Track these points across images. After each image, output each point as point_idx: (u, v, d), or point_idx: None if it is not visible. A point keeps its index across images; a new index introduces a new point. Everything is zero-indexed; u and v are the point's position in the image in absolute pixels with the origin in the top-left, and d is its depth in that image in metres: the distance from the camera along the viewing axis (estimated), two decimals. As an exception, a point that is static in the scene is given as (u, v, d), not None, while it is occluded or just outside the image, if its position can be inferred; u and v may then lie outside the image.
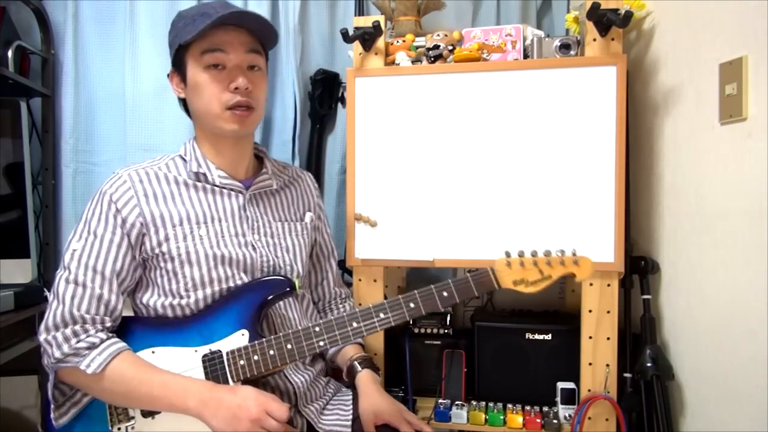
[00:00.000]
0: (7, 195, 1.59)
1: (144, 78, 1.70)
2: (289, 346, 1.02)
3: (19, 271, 1.58)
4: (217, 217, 1.10)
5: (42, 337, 0.98)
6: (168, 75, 1.16)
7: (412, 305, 1.03)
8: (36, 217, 1.69)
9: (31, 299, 1.53)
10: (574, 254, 1.03)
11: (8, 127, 1.57)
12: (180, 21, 1.10)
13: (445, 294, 1.03)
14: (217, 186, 1.11)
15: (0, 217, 1.59)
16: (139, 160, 1.13)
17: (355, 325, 1.03)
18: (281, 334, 1.03)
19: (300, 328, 1.04)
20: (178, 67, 1.11)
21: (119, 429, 0.99)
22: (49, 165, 1.72)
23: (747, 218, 1.06)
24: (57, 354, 0.96)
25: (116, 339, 1.01)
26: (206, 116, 1.09)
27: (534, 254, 1.03)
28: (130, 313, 1.11)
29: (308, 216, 1.25)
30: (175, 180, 1.10)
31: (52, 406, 1.00)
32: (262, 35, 1.11)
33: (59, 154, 1.73)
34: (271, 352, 1.02)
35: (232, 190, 1.12)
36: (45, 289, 1.62)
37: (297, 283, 1.10)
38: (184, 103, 1.17)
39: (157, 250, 1.05)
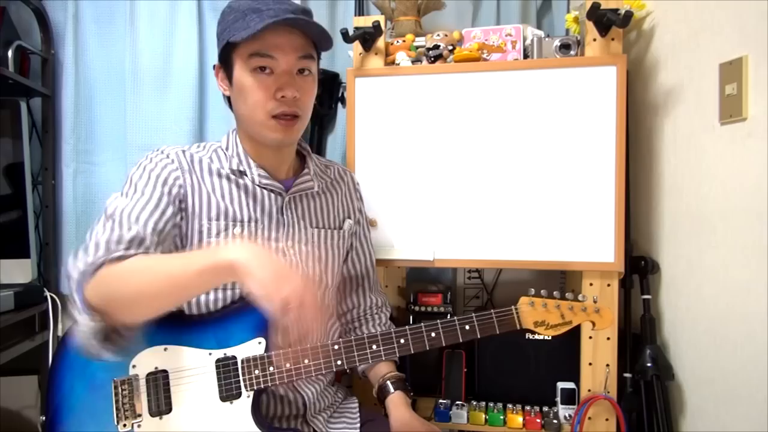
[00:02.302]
0: (7, 195, 1.59)
1: (144, 78, 1.70)
2: (306, 361, 1.01)
3: (19, 271, 1.58)
4: (254, 218, 1.06)
5: (71, 261, 0.90)
6: (213, 67, 1.10)
7: (433, 335, 1.02)
8: (36, 217, 1.70)
9: (31, 299, 1.54)
10: (595, 302, 1.04)
11: (8, 127, 1.58)
12: (230, 13, 1.02)
13: (467, 327, 1.02)
14: (257, 185, 1.08)
15: (0, 217, 1.59)
16: (149, 150, 1.09)
17: (374, 348, 1.02)
18: (299, 347, 1.01)
19: (319, 344, 1.02)
20: (225, 63, 1.05)
21: (125, 426, 0.98)
22: (49, 165, 1.72)
23: (747, 218, 1.06)
24: (89, 259, 0.88)
25: None
26: (249, 122, 1.04)
27: (558, 297, 1.04)
28: None
29: (347, 223, 1.21)
30: (218, 172, 1.07)
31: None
32: (316, 38, 1.04)
33: (59, 154, 1.74)
34: (287, 365, 1.00)
35: (271, 191, 1.09)
36: (45, 289, 1.63)
37: (318, 294, 1.08)
38: (228, 100, 1.10)
39: (188, 240, 1.02)
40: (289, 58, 1.01)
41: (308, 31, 1.02)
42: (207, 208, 1.04)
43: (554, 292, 1.04)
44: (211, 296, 1.04)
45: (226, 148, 1.10)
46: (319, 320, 0.82)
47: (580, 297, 1.04)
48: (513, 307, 1.03)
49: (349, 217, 1.23)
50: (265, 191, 1.09)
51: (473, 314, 1.03)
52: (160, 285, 0.85)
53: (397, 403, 1.13)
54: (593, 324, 1.04)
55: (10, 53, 1.57)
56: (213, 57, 1.75)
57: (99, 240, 0.92)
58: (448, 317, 1.55)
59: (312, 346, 1.01)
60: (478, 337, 1.02)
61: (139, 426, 0.98)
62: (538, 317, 1.02)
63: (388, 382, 1.16)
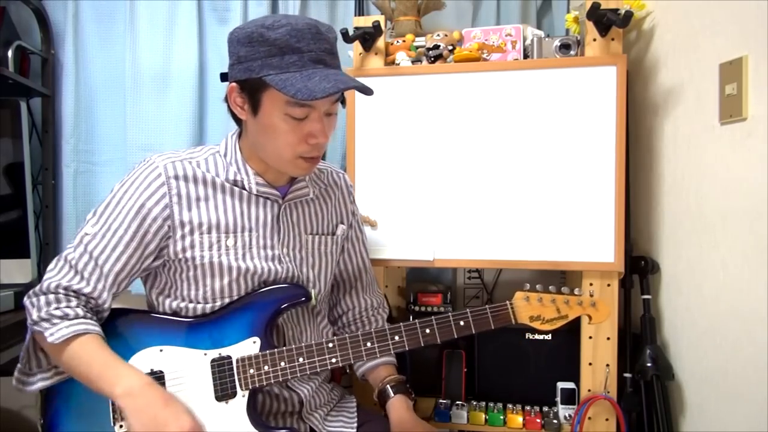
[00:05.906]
0: (7, 195, 1.59)
1: (144, 78, 1.70)
2: (300, 360, 1.01)
3: (19, 271, 1.58)
4: (248, 227, 1.06)
5: (27, 300, 1.00)
6: (222, 77, 1.04)
7: (427, 331, 1.02)
8: (36, 217, 1.70)
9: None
10: (591, 296, 1.04)
11: (8, 127, 1.58)
12: (263, 44, 0.94)
13: (462, 323, 1.02)
14: (253, 194, 1.07)
15: (0, 217, 1.59)
16: (139, 160, 1.08)
17: (369, 345, 1.02)
18: (294, 346, 1.02)
19: (313, 342, 1.02)
20: (249, 93, 0.99)
21: (121, 426, 0.98)
22: (49, 165, 1.72)
23: (747, 218, 1.06)
24: (34, 316, 0.97)
25: (91, 320, 0.99)
26: (272, 156, 1.03)
27: (553, 291, 1.03)
28: (144, 308, 1.10)
29: (340, 229, 1.21)
30: (212, 182, 1.04)
31: (19, 365, 1.02)
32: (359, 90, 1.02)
33: (59, 154, 1.74)
34: (282, 364, 1.01)
35: (267, 198, 1.08)
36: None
37: (313, 294, 1.08)
38: (235, 115, 1.05)
39: (180, 256, 1.02)
40: (324, 103, 0.99)
41: (360, 92, 1.01)
42: (198, 222, 1.03)
43: (550, 287, 1.04)
44: (209, 304, 1.05)
45: (225, 155, 1.08)
46: None
47: (576, 291, 1.04)
48: (508, 302, 1.03)
49: (342, 222, 1.22)
50: (261, 198, 1.08)
51: (468, 309, 1.02)
52: (77, 375, 0.98)
53: (397, 407, 1.13)
54: (589, 318, 1.03)
55: (10, 53, 1.57)
56: (213, 57, 1.76)
57: (51, 283, 0.99)
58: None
59: (306, 345, 1.02)
60: (473, 332, 1.02)
61: None
62: (533, 312, 1.02)
63: (388, 387, 1.16)
